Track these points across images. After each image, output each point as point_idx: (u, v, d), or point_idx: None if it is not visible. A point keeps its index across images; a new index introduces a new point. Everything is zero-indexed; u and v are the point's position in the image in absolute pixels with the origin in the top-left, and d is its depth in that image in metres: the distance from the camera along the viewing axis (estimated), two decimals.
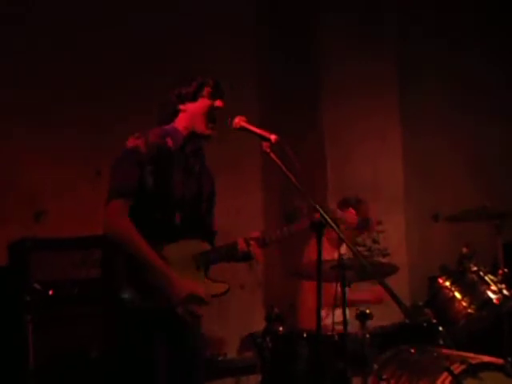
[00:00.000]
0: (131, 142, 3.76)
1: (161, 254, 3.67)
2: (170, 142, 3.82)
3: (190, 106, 3.85)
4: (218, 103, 3.87)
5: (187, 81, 3.86)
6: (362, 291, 5.19)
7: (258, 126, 3.71)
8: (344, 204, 5.46)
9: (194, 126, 3.85)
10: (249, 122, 3.73)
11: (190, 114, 3.85)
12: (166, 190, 3.76)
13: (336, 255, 4.49)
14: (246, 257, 3.86)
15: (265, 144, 3.63)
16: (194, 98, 3.84)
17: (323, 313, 4.51)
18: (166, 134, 3.83)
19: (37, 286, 5.21)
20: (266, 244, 3.87)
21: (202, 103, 3.84)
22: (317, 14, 7.00)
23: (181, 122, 3.87)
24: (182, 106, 3.85)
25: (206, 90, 3.85)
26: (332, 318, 4.63)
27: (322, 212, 3.54)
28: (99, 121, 6.30)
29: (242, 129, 3.73)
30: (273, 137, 3.62)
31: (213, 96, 3.86)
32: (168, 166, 3.79)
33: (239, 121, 3.73)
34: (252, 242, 3.83)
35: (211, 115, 3.85)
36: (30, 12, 6.22)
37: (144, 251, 3.59)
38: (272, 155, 3.61)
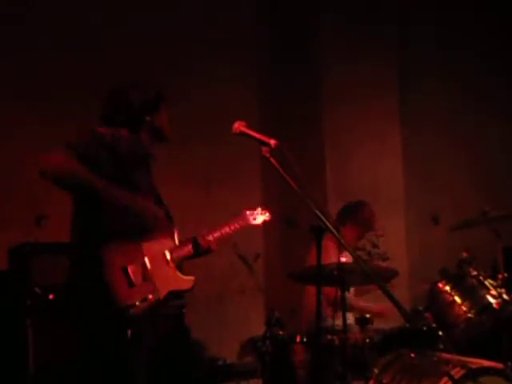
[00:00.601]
0: (101, 129, 3.80)
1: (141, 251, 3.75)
2: (139, 145, 3.87)
3: (155, 117, 3.90)
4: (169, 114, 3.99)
5: (143, 88, 3.92)
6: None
7: (257, 131, 3.70)
8: (345, 212, 5.44)
9: (160, 134, 3.95)
10: (248, 126, 3.73)
11: (157, 125, 3.92)
12: (132, 185, 3.76)
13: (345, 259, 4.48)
14: (207, 251, 4.01)
15: (264, 149, 3.63)
16: (157, 108, 3.92)
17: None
18: (136, 139, 3.88)
19: (37, 290, 5.23)
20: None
21: (164, 114, 3.95)
22: (317, 13, 7.00)
23: (147, 132, 3.91)
24: (148, 117, 3.89)
25: (164, 100, 3.95)
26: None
27: (321, 217, 3.55)
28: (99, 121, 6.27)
29: (242, 134, 3.72)
30: (272, 142, 3.62)
31: (167, 104, 3.97)
32: (135, 164, 3.82)
33: (239, 126, 3.73)
34: (207, 238, 3.99)
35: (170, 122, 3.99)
36: (30, 12, 6.23)
37: (100, 183, 3.60)
38: (272, 160, 3.60)
